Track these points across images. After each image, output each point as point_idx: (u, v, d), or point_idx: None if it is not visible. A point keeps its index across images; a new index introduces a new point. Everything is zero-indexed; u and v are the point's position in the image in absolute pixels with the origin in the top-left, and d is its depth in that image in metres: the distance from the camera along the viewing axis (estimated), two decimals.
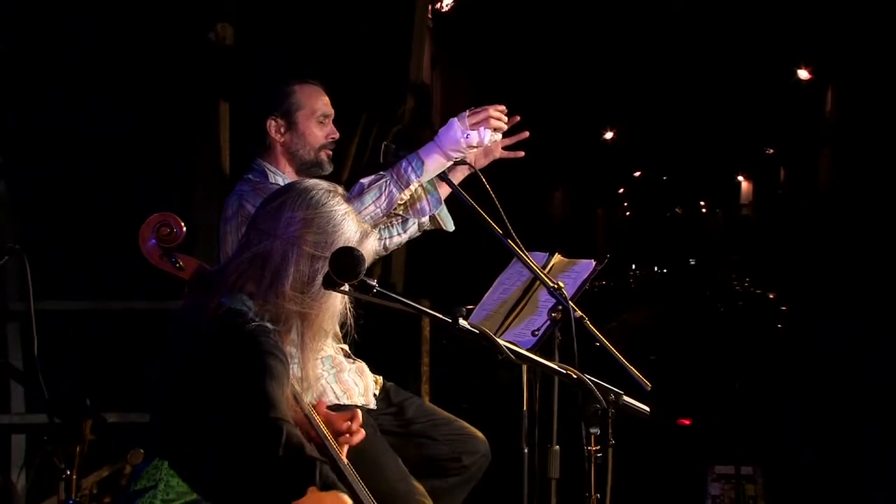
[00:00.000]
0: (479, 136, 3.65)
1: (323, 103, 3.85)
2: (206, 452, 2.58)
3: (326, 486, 2.59)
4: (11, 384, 5.87)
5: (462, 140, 3.63)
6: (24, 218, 6.49)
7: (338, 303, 2.73)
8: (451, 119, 3.66)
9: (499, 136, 3.74)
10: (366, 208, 3.59)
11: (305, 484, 2.53)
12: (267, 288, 2.65)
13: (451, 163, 3.72)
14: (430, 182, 3.80)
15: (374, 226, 3.52)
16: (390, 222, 3.91)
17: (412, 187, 3.71)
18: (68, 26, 6.47)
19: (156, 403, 2.70)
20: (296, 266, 2.66)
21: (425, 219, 3.92)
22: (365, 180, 3.64)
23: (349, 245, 2.66)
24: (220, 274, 2.73)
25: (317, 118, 3.81)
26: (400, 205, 3.78)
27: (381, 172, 3.66)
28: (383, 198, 3.64)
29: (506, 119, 3.72)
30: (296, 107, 3.80)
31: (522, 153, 3.86)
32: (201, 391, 2.58)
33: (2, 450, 5.89)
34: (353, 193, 3.57)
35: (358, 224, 2.75)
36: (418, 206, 3.84)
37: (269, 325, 2.64)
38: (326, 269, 2.60)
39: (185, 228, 2.92)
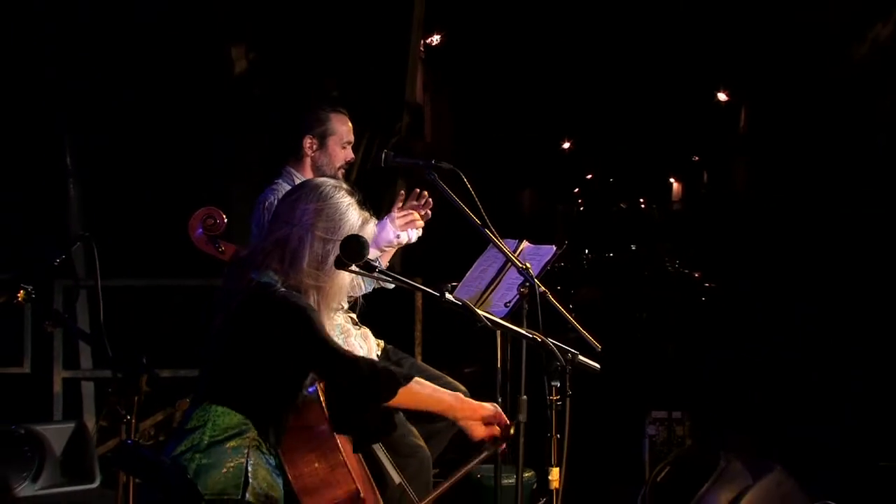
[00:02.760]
0: (408, 235, 3.76)
1: (347, 130, 3.88)
2: (261, 388, 2.61)
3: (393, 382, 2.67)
4: (81, 345, 5.85)
5: (394, 239, 3.73)
6: (92, 210, 6.46)
7: (347, 278, 2.74)
8: (384, 220, 3.70)
9: (420, 231, 3.78)
10: None
11: (397, 385, 2.64)
12: (288, 266, 2.66)
13: (382, 253, 3.79)
14: None
15: None
16: None
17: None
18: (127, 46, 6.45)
19: (205, 360, 2.70)
20: (310, 248, 2.66)
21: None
22: None
23: (353, 229, 2.69)
24: (250, 256, 2.73)
25: (342, 143, 3.85)
26: None
27: None
28: None
29: (420, 217, 3.75)
30: (330, 132, 3.83)
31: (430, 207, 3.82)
32: (253, 344, 2.60)
33: (76, 398, 5.87)
34: None
35: (360, 213, 2.75)
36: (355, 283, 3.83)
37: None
38: (337, 250, 2.61)
39: (226, 220, 2.91)
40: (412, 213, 3.74)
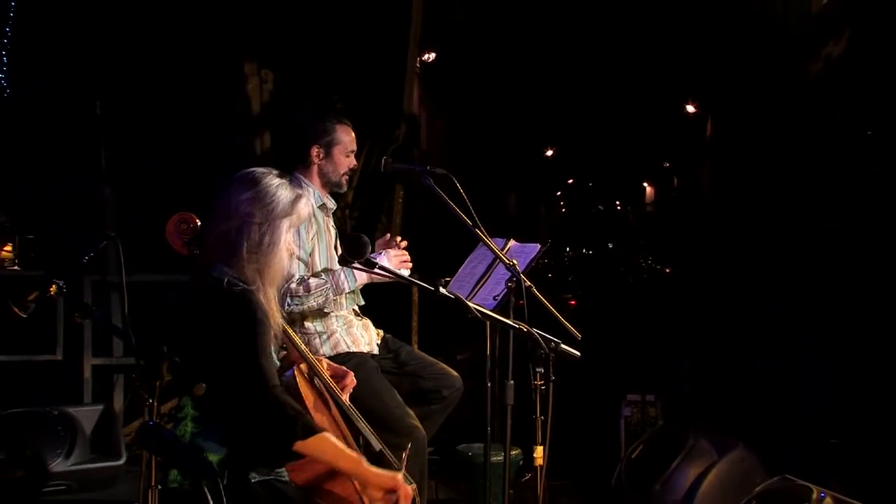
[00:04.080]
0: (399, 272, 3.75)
1: (351, 140, 3.87)
2: (216, 390, 2.51)
3: (308, 433, 2.48)
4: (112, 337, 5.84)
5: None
6: (120, 212, 6.45)
7: (286, 255, 2.64)
8: (381, 254, 3.77)
9: (409, 270, 3.82)
10: (309, 303, 3.61)
11: (292, 439, 2.44)
12: (230, 257, 2.58)
13: (370, 280, 3.78)
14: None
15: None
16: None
17: (345, 293, 3.75)
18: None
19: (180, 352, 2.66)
20: (248, 236, 2.57)
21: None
22: (312, 282, 3.64)
23: (287, 207, 2.60)
24: (204, 253, 2.67)
25: (346, 152, 3.85)
26: None
27: (324, 277, 3.66)
28: (322, 298, 3.66)
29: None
30: (335, 142, 3.83)
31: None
32: (208, 342, 2.54)
33: (107, 383, 5.87)
34: (302, 291, 3.61)
35: (291, 191, 2.65)
36: (338, 301, 3.82)
37: (247, 286, 2.58)
38: (271, 231, 2.56)
39: (199, 223, 2.86)
40: (406, 254, 3.80)
